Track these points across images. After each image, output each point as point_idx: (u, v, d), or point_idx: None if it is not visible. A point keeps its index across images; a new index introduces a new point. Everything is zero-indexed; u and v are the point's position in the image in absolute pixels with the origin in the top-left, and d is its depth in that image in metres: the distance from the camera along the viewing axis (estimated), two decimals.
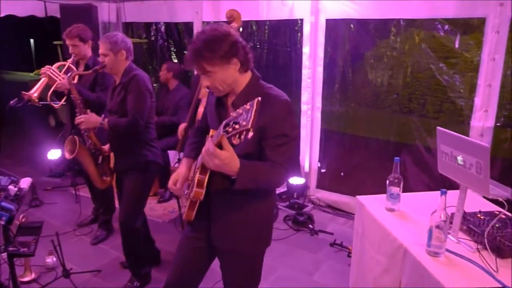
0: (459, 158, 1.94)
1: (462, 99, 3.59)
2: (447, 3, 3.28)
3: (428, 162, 3.76)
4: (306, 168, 4.37)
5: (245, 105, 1.32)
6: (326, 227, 3.88)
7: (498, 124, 3.30)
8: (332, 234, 3.72)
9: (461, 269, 1.84)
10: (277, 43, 4.34)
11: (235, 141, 1.35)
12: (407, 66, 3.72)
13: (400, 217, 2.35)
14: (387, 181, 2.39)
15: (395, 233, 2.15)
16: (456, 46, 3.52)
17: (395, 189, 2.37)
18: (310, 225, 3.84)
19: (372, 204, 2.52)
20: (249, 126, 1.27)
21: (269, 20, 4.34)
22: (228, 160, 1.44)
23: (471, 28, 3.35)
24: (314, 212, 4.18)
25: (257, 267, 1.91)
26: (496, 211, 2.25)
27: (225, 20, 3.63)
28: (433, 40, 3.53)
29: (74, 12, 4.81)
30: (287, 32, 4.23)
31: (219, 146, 1.45)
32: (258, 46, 4.48)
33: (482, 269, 1.81)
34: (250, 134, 1.29)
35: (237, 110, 1.35)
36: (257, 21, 4.44)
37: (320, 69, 4.06)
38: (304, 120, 4.24)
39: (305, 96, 4.17)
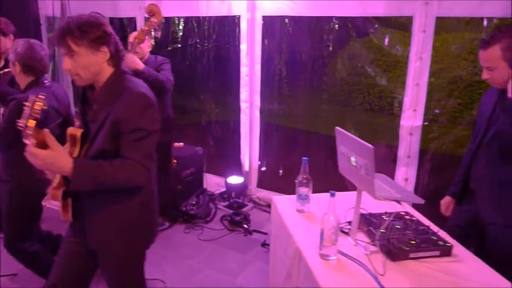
0: (352, 159, 1.90)
1: (393, 98, 3.59)
2: (377, 2, 3.27)
3: None
4: (246, 167, 4.32)
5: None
6: (262, 227, 3.83)
7: (426, 122, 3.29)
8: (266, 234, 3.68)
9: (348, 272, 1.79)
10: (217, 40, 4.25)
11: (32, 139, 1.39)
12: (342, 63, 3.70)
13: (307, 218, 2.30)
14: (296, 182, 2.35)
15: (296, 235, 2.11)
16: (386, 44, 3.51)
17: (303, 190, 2.33)
18: (245, 225, 3.79)
19: (285, 204, 2.47)
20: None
21: (209, 17, 4.26)
22: (50, 159, 1.37)
23: (402, 26, 3.34)
24: (254, 211, 4.13)
25: (132, 268, 1.83)
26: (403, 212, 2.23)
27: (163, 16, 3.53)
28: (365, 38, 3.51)
29: (9, 4, 4.63)
30: (226, 29, 4.16)
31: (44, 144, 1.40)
32: (198, 43, 4.39)
33: (368, 272, 1.77)
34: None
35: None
36: (197, 18, 4.35)
37: (258, 67, 4.00)
38: (243, 118, 4.18)
39: (243, 94, 4.11)
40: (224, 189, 4.37)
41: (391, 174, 3.50)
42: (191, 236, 3.71)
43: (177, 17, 4.53)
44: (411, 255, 1.85)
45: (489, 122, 1.98)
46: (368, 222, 2.09)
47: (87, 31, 1.55)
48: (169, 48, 4.61)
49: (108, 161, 1.54)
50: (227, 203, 4.22)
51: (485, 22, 3.01)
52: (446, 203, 2.30)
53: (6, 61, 3.31)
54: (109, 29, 1.64)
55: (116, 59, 1.66)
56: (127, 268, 1.82)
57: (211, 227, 3.86)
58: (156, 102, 1.65)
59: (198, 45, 4.39)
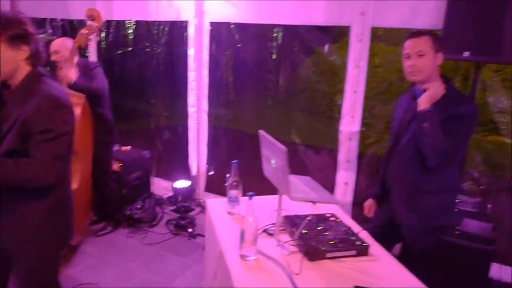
0: (272, 161, 1.96)
1: (334, 104, 3.70)
2: (318, 11, 3.37)
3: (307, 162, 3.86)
4: (194, 171, 4.33)
5: None
6: None
7: (363, 128, 3.41)
8: None
9: (265, 272, 1.84)
10: (166, 44, 4.26)
11: None
12: (285, 69, 3.79)
13: (236, 220, 2.33)
14: (226, 185, 2.39)
15: (221, 236, 2.14)
16: (326, 52, 3.63)
17: (233, 192, 2.37)
18: (190, 229, 3.79)
19: (217, 207, 2.50)
20: None
21: (158, 21, 4.26)
22: None
23: (341, 35, 3.47)
24: (200, 216, 4.13)
25: (44, 269, 1.81)
26: (329, 213, 2.30)
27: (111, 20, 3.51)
28: (306, 45, 3.61)
29: None
30: (175, 34, 4.18)
31: None
32: (148, 47, 4.38)
33: (283, 271, 1.82)
34: None
35: None
36: (147, 22, 4.34)
37: (205, 72, 4.03)
38: (191, 123, 4.19)
39: (191, 98, 4.12)
40: (172, 194, 4.35)
41: (333, 178, 3.61)
42: (134, 240, 3.68)
43: (128, 20, 4.51)
44: (328, 255, 1.91)
45: (401, 128, 2.09)
46: (292, 223, 2.15)
47: (7, 27, 1.58)
48: (119, 51, 4.58)
49: (13, 160, 1.53)
50: (174, 207, 4.21)
51: None
52: (369, 205, 2.40)
53: None
54: (31, 29, 1.67)
55: (34, 59, 1.68)
56: (38, 270, 1.79)
57: (155, 231, 3.84)
58: (69, 104, 1.66)
59: (147, 49, 4.38)
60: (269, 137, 1.95)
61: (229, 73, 4.05)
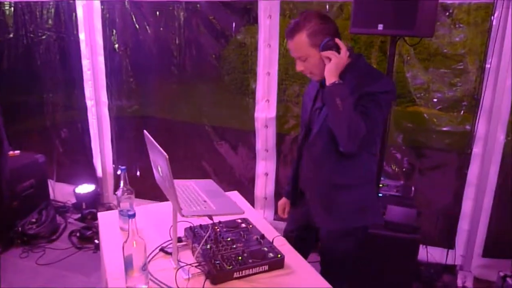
0: (159, 168, 1.59)
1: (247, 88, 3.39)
2: None
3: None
4: (100, 173, 3.83)
5: None
6: None
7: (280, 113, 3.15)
8: None
9: None
10: (53, 29, 3.65)
11: None
12: (191, 52, 3.39)
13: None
14: (116, 195, 1.99)
15: (107, 261, 1.75)
16: (233, 32, 3.28)
17: (124, 205, 1.97)
18: (96, 240, 3.33)
19: (109, 221, 2.09)
20: None
21: (41, 2, 3.63)
22: None
23: (248, 12, 3.13)
24: None
25: None
26: (240, 219, 1.98)
27: None
28: (212, 25, 3.23)
29: None
30: (62, 16, 3.57)
31: None
32: (32, 32, 3.74)
33: None
34: None
35: None
36: (27, 3, 3.69)
37: (101, 59, 3.52)
38: (91, 118, 3.67)
39: (88, 90, 3.60)
40: (73, 201, 3.83)
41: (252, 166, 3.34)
42: (28, 261, 3.14)
43: (4, 2, 3.81)
44: (236, 275, 1.60)
45: (311, 117, 1.80)
46: (195, 236, 1.81)
47: None
48: None
49: None
50: (79, 215, 3.70)
51: (327, 7, 2.91)
52: (282, 204, 2.11)
53: None
54: None
55: None
56: None
57: (56, 246, 3.33)
58: None
59: (31, 35, 3.73)
60: (152, 140, 1.58)
61: (129, 59, 3.55)
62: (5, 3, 3.78)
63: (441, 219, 2.99)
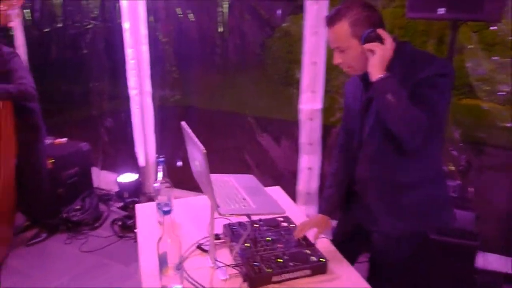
0: (196, 162, 1.49)
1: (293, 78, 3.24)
2: None
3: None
4: (142, 162, 3.83)
5: None
6: None
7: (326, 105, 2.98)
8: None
9: None
10: (99, 19, 3.67)
11: None
12: (235, 41, 3.28)
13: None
14: (154, 188, 1.93)
15: (142, 257, 1.69)
16: (278, 20, 3.13)
17: (162, 198, 1.91)
18: (136, 230, 3.32)
19: (147, 213, 2.05)
20: None
21: None
22: None
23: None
24: None
25: None
26: (281, 217, 1.86)
27: None
28: (257, 12, 3.11)
29: None
30: (107, 5, 3.58)
31: None
32: (79, 22, 3.78)
33: None
34: None
35: None
36: None
37: (144, 48, 3.48)
38: (134, 108, 3.66)
39: (132, 80, 3.58)
40: (116, 189, 3.86)
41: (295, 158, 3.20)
42: (72, 247, 3.19)
43: None
44: (275, 279, 1.49)
45: (362, 117, 1.62)
46: (233, 234, 1.71)
47: None
48: (47, 29, 3.96)
49: None
50: (121, 203, 3.72)
51: None
52: (313, 223, 1.82)
53: None
54: None
55: None
56: None
57: (99, 234, 3.37)
58: None
59: (78, 24, 3.77)
60: (189, 131, 1.48)
61: (172, 48, 3.50)
62: None
63: (502, 224, 2.74)
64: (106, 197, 3.88)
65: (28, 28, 4.02)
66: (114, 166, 4.10)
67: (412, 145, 1.44)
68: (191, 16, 3.35)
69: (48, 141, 3.76)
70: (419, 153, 1.52)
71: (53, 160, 3.42)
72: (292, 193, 3.13)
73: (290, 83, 3.33)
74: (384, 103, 1.40)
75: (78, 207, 3.47)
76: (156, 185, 1.92)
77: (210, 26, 3.31)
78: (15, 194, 3.08)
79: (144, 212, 2.08)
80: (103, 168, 4.13)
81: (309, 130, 3.03)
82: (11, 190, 3.02)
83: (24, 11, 3.98)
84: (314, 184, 3.15)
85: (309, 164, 3.13)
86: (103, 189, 4.05)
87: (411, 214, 1.58)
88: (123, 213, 3.61)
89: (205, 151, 1.26)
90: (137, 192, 3.80)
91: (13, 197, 3.06)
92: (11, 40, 4.05)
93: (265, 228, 1.76)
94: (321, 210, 1.81)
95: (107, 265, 2.97)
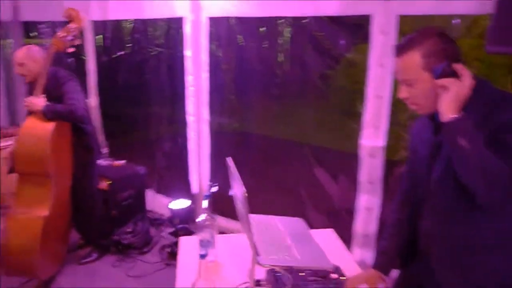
0: (238, 203, 1.38)
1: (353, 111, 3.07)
2: (331, 1, 2.76)
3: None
4: (195, 189, 3.79)
5: None
6: None
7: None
8: None
9: None
10: (163, 45, 3.76)
11: None
12: (295, 70, 3.18)
13: (207, 269, 1.76)
14: (197, 222, 1.84)
15: None
16: (341, 50, 2.98)
17: (205, 235, 1.80)
18: None
19: (191, 247, 1.95)
20: None
21: (154, 19, 3.77)
22: None
23: (358, 28, 2.83)
24: None
25: None
26: (331, 269, 1.67)
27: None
28: (318, 41, 2.99)
29: None
30: (172, 33, 3.66)
31: None
32: (144, 48, 3.91)
33: None
34: None
35: None
36: (143, 21, 3.86)
37: (205, 75, 3.49)
38: (191, 134, 3.66)
39: (189, 106, 3.60)
40: (168, 215, 3.84)
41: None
42: (119, 270, 3.19)
43: (125, 20, 4.05)
44: None
45: (430, 163, 1.41)
46: (277, 282, 1.55)
47: None
48: (115, 55, 4.13)
49: None
50: (173, 229, 3.69)
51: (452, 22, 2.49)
52: (364, 278, 1.63)
53: None
54: None
55: None
56: None
57: (147, 259, 3.35)
58: None
59: (144, 52, 3.90)
60: (234, 169, 1.38)
61: (232, 76, 3.48)
62: (128, 20, 4.02)
63: None
64: (157, 222, 3.88)
65: (99, 53, 4.23)
66: (168, 190, 4.12)
67: (488, 199, 1.22)
68: (251, 45, 3.31)
69: (107, 162, 3.87)
70: (497, 208, 1.29)
71: (110, 182, 3.48)
72: (347, 234, 2.91)
73: (350, 116, 3.15)
74: (457, 148, 1.21)
75: (129, 230, 3.48)
76: (199, 219, 1.83)
77: (271, 55, 3.25)
78: (70, 212, 3.16)
79: (188, 245, 1.99)
80: (158, 191, 4.16)
81: (370, 168, 2.82)
82: (67, 208, 3.10)
83: (97, 37, 4.19)
84: (373, 226, 2.91)
85: (368, 204, 2.90)
86: (156, 212, 4.06)
87: (484, 281, 1.34)
88: (173, 239, 3.57)
89: (246, 194, 1.15)
90: (189, 219, 3.75)
91: (68, 214, 3.14)
92: (83, 64, 4.28)
93: (312, 278, 1.59)
94: (375, 265, 1.61)
95: None
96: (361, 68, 2.99)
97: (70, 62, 4.70)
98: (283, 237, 1.48)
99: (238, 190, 1.28)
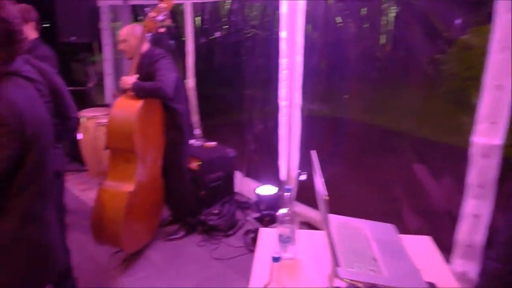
0: (319, 203, 1.21)
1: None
2: None
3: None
4: (283, 176, 3.68)
5: None
6: None
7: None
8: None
9: None
10: (258, 27, 3.65)
11: None
12: (398, 52, 2.85)
13: (287, 268, 1.63)
14: (277, 216, 1.71)
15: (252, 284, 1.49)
16: (456, 32, 2.58)
17: (285, 230, 1.67)
18: None
19: (271, 240, 1.84)
20: None
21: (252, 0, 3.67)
22: None
23: (481, 6, 2.40)
24: None
25: None
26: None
27: None
28: (429, 23, 2.62)
29: None
30: (267, 13, 3.53)
31: None
32: (240, 30, 3.84)
33: None
34: None
35: None
36: (239, 0, 3.80)
37: (299, 59, 3.32)
38: (282, 119, 3.53)
39: (283, 90, 3.46)
40: (254, 199, 3.80)
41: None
42: (203, 251, 3.23)
43: (222, 1, 4.02)
44: None
45: None
46: None
47: None
48: (212, 37, 4.14)
49: None
50: (258, 214, 3.64)
51: None
52: None
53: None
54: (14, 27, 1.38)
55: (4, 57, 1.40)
56: None
57: (230, 242, 3.35)
58: (12, 122, 1.28)
59: (240, 33, 3.84)
60: (318, 165, 1.22)
61: (327, 59, 3.26)
62: (226, 1, 4.00)
63: None
64: (244, 205, 3.87)
65: (197, 34, 4.28)
66: (257, 174, 4.07)
67: None
68: (351, 26, 3.05)
69: (199, 143, 3.93)
70: None
71: (201, 163, 3.53)
72: (448, 242, 2.58)
73: (463, 108, 2.76)
74: None
75: (216, 211, 3.51)
76: (280, 212, 1.70)
77: (372, 36, 2.96)
78: (162, 189, 3.27)
79: (267, 237, 1.88)
80: (247, 175, 4.14)
81: (482, 169, 2.45)
82: (158, 185, 3.21)
83: (196, 18, 4.23)
84: (479, 236, 2.53)
85: (475, 211, 2.53)
86: (243, 196, 4.06)
87: None
88: (258, 225, 3.52)
89: (326, 197, 0.98)
90: (275, 206, 3.67)
91: (159, 192, 3.25)
92: (183, 46, 4.38)
93: None
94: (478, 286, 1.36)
95: (231, 276, 2.91)
96: (478, 53, 2.58)
97: (171, 44, 4.84)
98: (370, 246, 1.29)
99: (319, 189, 1.13)
